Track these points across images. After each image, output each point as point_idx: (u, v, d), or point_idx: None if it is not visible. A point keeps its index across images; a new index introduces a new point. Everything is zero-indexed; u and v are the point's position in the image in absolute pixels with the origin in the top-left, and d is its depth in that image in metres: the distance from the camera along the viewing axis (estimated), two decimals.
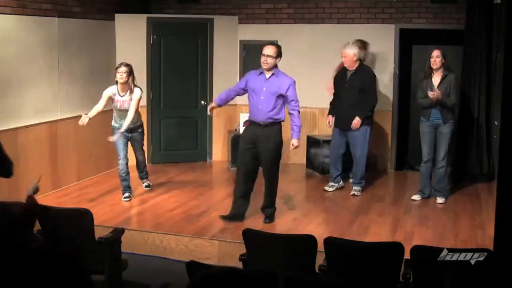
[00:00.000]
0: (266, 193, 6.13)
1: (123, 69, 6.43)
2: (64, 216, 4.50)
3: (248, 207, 6.16)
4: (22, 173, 6.60)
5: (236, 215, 6.06)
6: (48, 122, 7.04)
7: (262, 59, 5.82)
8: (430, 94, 6.47)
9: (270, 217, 6.08)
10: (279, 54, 5.85)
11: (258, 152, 5.93)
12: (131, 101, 6.53)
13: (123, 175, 6.82)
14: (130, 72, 6.48)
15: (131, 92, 6.52)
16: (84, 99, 7.68)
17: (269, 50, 5.82)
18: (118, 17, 8.34)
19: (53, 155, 7.11)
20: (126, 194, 6.89)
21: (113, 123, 6.77)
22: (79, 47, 7.55)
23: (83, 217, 4.36)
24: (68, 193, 7.12)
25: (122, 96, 6.55)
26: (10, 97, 6.47)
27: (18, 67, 6.57)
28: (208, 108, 6.22)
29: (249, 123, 6.07)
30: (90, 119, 6.40)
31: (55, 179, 7.17)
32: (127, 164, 6.78)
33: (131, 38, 8.34)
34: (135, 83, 6.57)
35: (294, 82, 5.88)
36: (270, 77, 5.86)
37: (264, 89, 5.84)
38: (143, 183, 7.37)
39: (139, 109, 6.79)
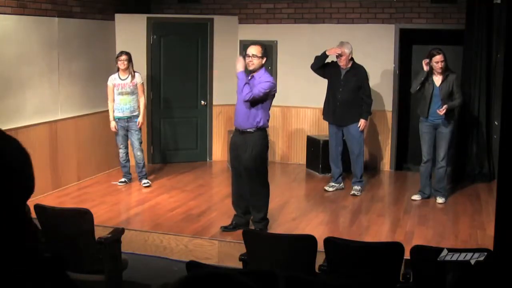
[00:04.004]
0: (251, 207, 5.71)
1: (124, 57, 7.18)
2: (64, 216, 4.50)
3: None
4: None
5: (238, 225, 5.73)
6: (48, 122, 7.04)
7: (247, 60, 5.40)
8: (440, 112, 6.46)
9: (261, 230, 5.55)
10: (264, 55, 5.45)
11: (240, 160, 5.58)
12: (131, 83, 7.22)
13: (123, 162, 7.48)
14: (130, 59, 7.23)
15: (132, 76, 7.24)
16: (84, 99, 7.69)
17: (253, 49, 5.41)
18: (118, 17, 8.34)
19: (53, 155, 7.11)
20: (122, 180, 7.53)
21: (115, 113, 7.26)
22: (79, 47, 7.55)
23: (83, 217, 4.35)
24: (68, 193, 7.12)
25: (123, 80, 7.22)
26: (10, 97, 6.46)
27: (18, 67, 6.56)
28: None
29: (234, 130, 5.77)
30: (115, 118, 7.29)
31: (55, 179, 7.17)
32: (127, 153, 7.45)
33: (131, 38, 8.34)
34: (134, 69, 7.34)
35: (271, 82, 5.45)
36: (249, 79, 5.46)
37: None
38: (142, 182, 7.42)
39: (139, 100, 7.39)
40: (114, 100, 7.25)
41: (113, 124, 7.26)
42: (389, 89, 8.38)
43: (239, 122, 5.55)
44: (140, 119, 7.31)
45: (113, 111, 7.25)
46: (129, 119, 7.27)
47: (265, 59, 5.49)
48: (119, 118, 7.26)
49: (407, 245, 4.02)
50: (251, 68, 5.45)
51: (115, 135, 7.40)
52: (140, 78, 7.36)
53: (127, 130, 7.32)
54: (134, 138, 7.33)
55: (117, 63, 7.21)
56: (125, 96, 7.21)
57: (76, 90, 7.55)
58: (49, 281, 1.65)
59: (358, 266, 3.95)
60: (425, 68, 6.54)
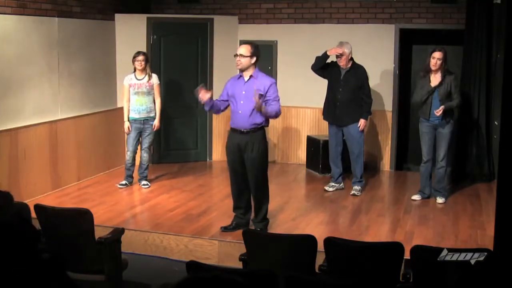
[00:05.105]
0: (254, 206, 5.76)
1: (141, 57, 7.16)
2: (64, 216, 4.50)
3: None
4: (22, 173, 6.60)
5: (238, 226, 5.73)
6: (48, 122, 7.04)
7: (236, 59, 5.46)
8: (437, 113, 6.47)
9: (261, 230, 5.60)
10: (254, 54, 5.44)
11: (244, 160, 5.58)
12: (148, 83, 7.19)
13: (128, 165, 7.38)
14: (147, 60, 7.23)
15: (149, 76, 7.21)
16: (84, 99, 7.69)
17: (241, 49, 5.46)
18: (118, 17, 8.34)
19: (53, 155, 7.11)
20: (123, 182, 7.41)
21: (130, 115, 7.22)
22: (79, 47, 7.55)
23: (83, 217, 4.36)
24: (68, 193, 7.12)
25: (139, 80, 7.19)
26: (10, 97, 6.46)
27: (18, 67, 6.56)
28: (202, 96, 5.65)
29: (231, 131, 5.67)
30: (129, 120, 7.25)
31: (55, 179, 7.17)
32: (134, 157, 7.34)
33: (131, 38, 8.34)
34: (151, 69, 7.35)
35: (275, 83, 5.56)
36: (248, 79, 5.48)
37: (244, 92, 5.46)
38: (142, 183, 7.42)
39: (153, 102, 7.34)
40: (129, 100, 7.21)
41: (126, 125, 7.21)
42: (389, 89, 8.38)
43: (242, 123, 5.53)
44: (156, 122, 7.30)
45: (128, 111, 7.21)
46: (145, 121, 7.23)
47: (255, 58, 5.46)
48: (135, 120, 7.21)
49: (407, 245, 4.02)
50: (238, 67, 5.47)
51: (127, 137, 7.34)
52: (157, 79, 7.32)
53: (141, 132, 7.28)
54: (145, 140, 7.32)
55: (134, 63, 7.17)
56: (141, 96, 7.18)
57: (76, 90, 7.54)
58: (49, 281, 1.65)
59: (358, 266, 3.95)
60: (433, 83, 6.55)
